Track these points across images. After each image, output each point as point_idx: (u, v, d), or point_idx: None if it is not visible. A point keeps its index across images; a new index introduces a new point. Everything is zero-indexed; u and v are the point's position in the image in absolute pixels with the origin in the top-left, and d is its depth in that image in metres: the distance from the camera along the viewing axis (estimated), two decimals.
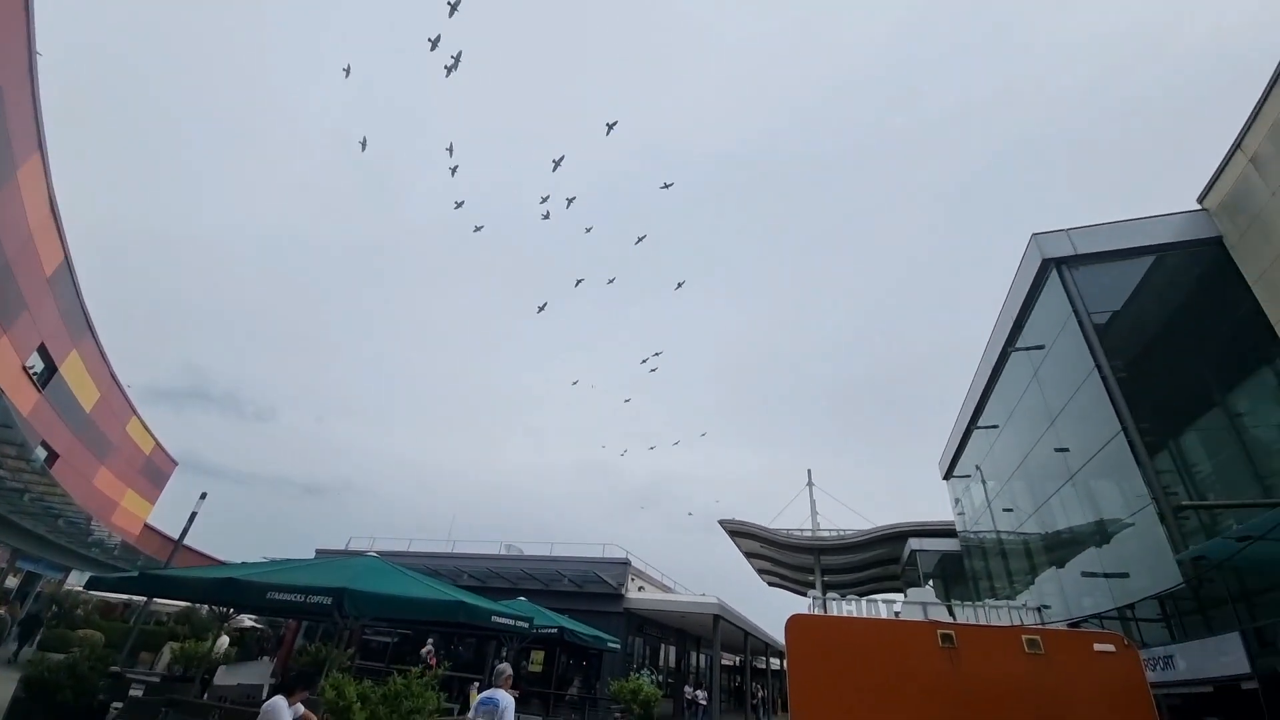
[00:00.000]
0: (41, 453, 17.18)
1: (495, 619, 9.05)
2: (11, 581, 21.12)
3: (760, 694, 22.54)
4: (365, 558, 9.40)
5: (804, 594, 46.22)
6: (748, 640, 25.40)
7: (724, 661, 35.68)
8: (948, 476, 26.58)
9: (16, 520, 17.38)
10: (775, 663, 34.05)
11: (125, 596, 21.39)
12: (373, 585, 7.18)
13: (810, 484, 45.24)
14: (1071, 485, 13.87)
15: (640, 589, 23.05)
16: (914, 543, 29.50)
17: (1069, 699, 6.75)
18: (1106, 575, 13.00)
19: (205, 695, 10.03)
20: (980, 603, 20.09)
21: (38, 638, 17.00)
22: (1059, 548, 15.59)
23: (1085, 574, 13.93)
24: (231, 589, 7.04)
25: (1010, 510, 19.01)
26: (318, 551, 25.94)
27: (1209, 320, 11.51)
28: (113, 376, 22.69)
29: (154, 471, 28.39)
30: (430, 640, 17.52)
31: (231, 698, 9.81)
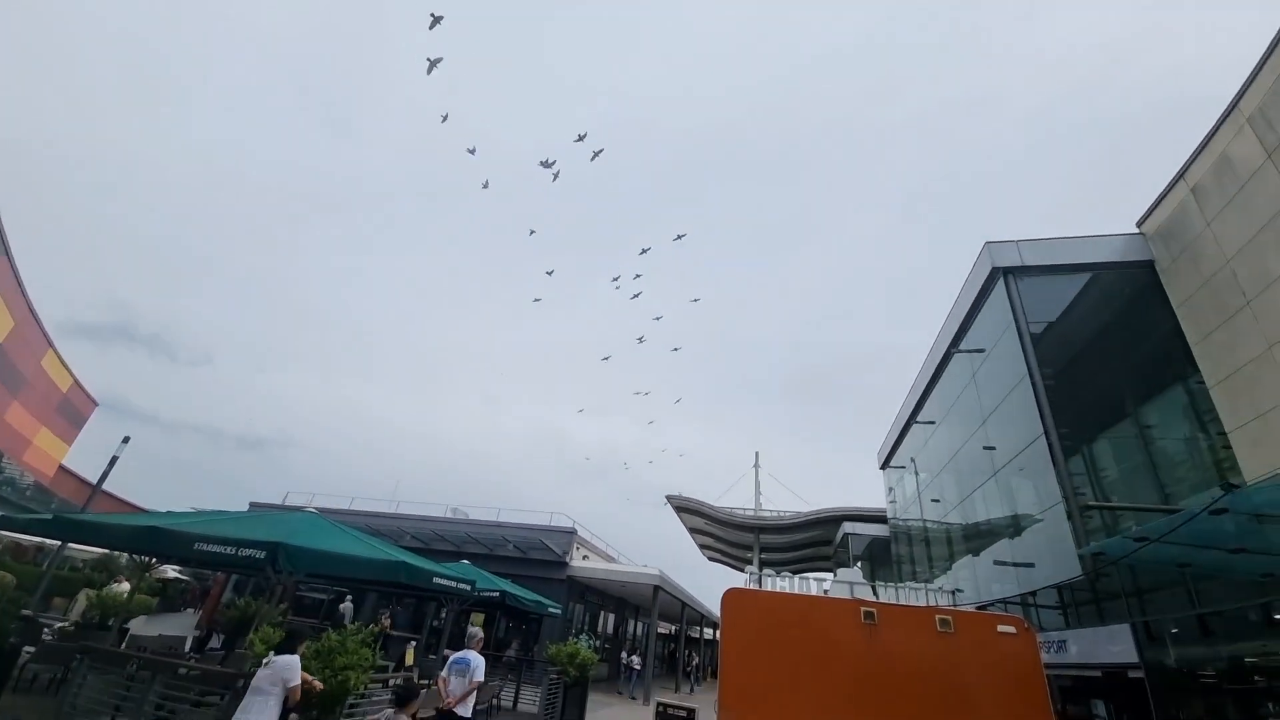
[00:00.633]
0: None
1: (437, 580, 9.02)
2: None
3: (695, 661, 23.49)
4: (303, 513, 9.13)
5: (742, 569, 48.09)
6: (684, 611, 26.30)
7: (661, 630, 36.91)
8: (884, 466, 27.91)
9: None
10: (709, 633, 35.47)
11: (38, 540, 20.11)
12: (310, 541, 6.99)
13: (756, 466, 46.66)
14: (994, 481, 14.83)
15: (585, 557, 23.40)
16: (847, 526, 31.04)
17: (973, 674, 7.33)
18: (1015, 565, 14.06)
19: (124, 645, 9.63)
20: (902, 584, 21.42)
21: None
22: (976, 538, 16.72)
23: (997, 562, 15.03)
24: (155, 538, 6.71)
25: (937, 501, 20.21)
26: (251, 505, 25.01)
27: (1132, 338, 12.38)
28: (28, 305, 20.86)
29: (71, 411, 26.49)
30: (389, 607, 17.46)
31: (152, 648, 9.46)
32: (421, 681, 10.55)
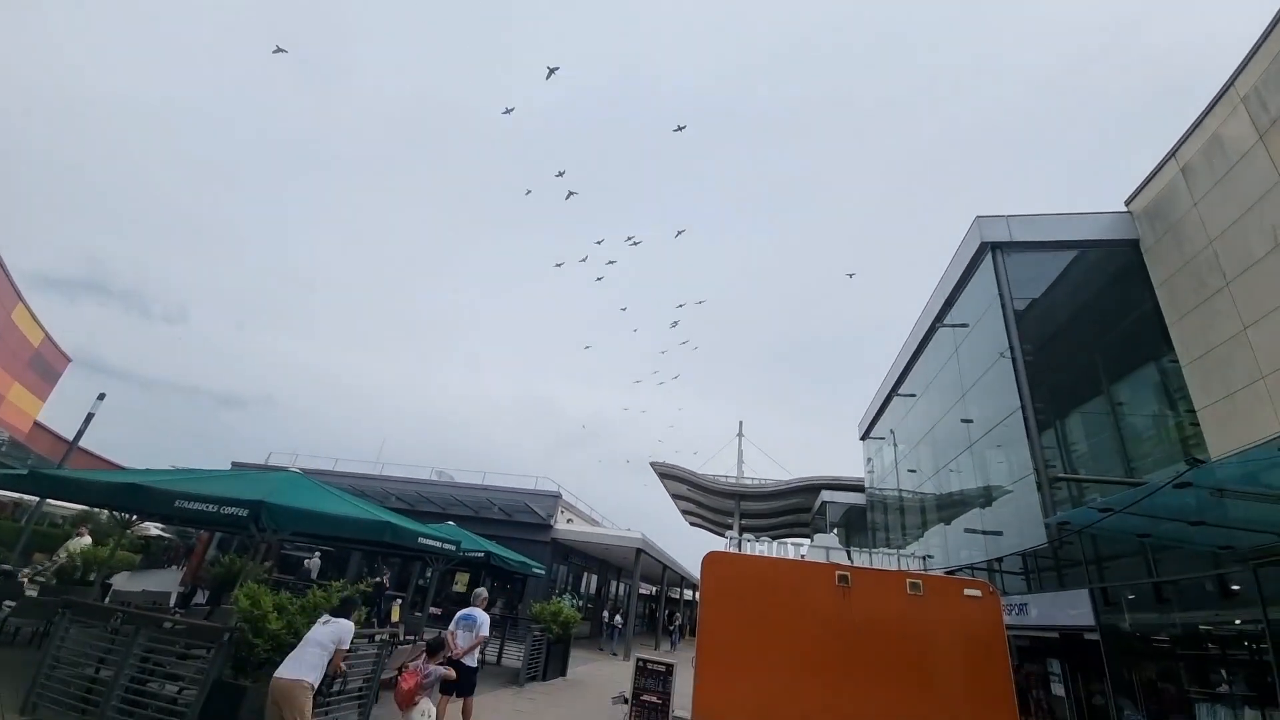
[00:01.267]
0: None
1: (422, 540, 9.10)
2: None
3: (678, 621, 24.34)
4: (286, 472, 9.09)
5: (722, 534, 49.26)
6: (665, 573, 27.02)
7: (642, 591, 37.95)
8: (865, 437, 28.47)
9: None
10: (690, 594, 36.59)
11: (16, 495, 19.85)
12: (293, 500, 6.97)
13: (740, 435, 47.35)
14: (969, 453, 15.23)
15: (569, 521, 23.78)
16: (826, 495, 31.85)
17: (940, 633, 7.68)
18: (984, 533, 14.58)
19: (107, 600, 9.65)
20: (876, 550, 22.11)
21: None
22: (949, 507, 17.27)
23: (968, 530, 15.58)
24: (135, 495, 6.64)
25: (914, 471, 20.75)
26: (234, 465, 24.87)
27: (1111, 316, 12.58)
28: None
29: (44, 366, 25.84)
30: (386, 565, 17.68)
31: (136, 603, 9.50)
32: (408, 636, 10.78)
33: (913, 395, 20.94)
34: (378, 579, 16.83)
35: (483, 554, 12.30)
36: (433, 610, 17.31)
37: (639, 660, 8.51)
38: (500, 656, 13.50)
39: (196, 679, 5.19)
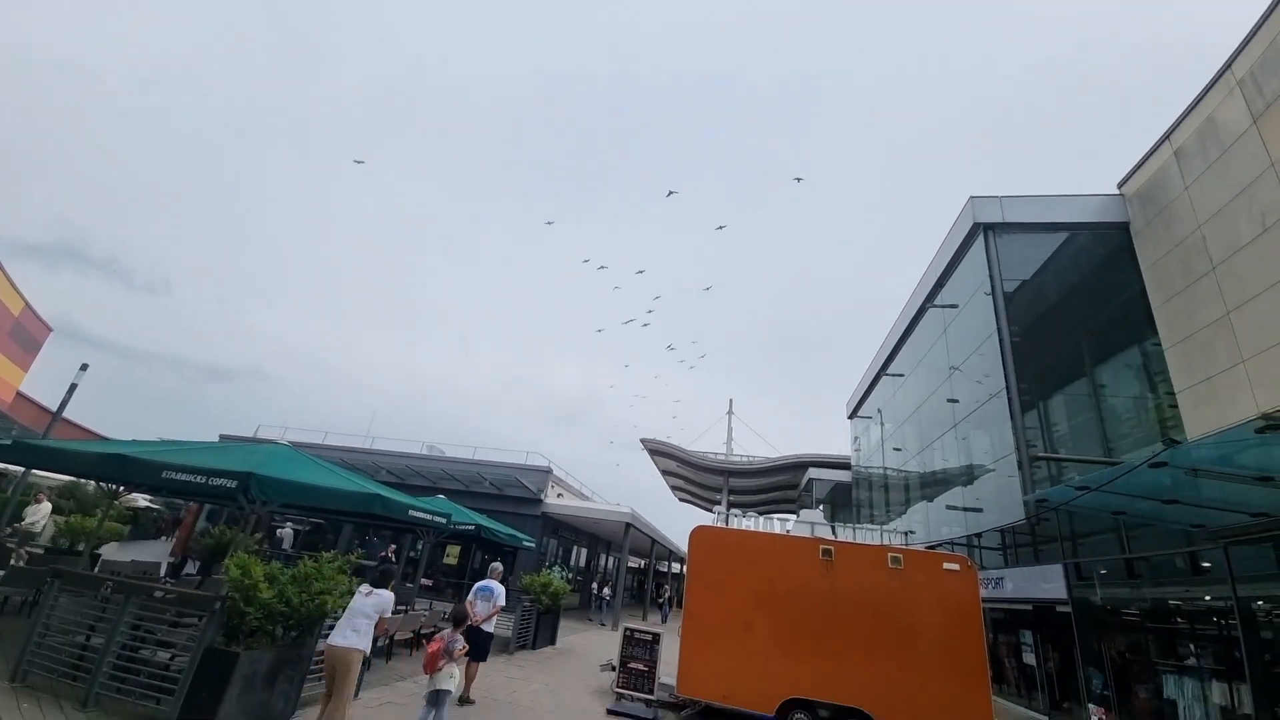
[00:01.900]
0: None
1: (413, 513, 9.14)
2: None
3: (667, 594, 24.85)
4: (275, 445, 9.04)
5: (711, 510, 50.04)
6: (654, 547, 27.46)
7: (631, 564, 38.59)
8: (852, 416, 28.80)
9: None
10: (678, 567, 37.28)
11: (0, 466, 19.64)
12: (283, 472, 6.94)
13: (730, 413, 47.69)
14: (953, 432, 15.47)
15: (559, 496, 23.98)
16: (812, 472, 32.33)
17: (919, 605, 7.91)
18: (965, 509, 14.92)
19: (96, 569, 9.65)
20: (860, 526, 22.60)
21: None
22: (932, 485, 17.60)
23: (949, 507, 15.92)
24: (121, 465, 6.58)
25: (899, 450, 21.08)
26: (222, 437, 24.71)
27: (1098, 299, 12.70)
28: None
29: (24, 336, 25.30)
30: (392, 545, 17.78)
31: (126, 573, 9.51)
32: (400, 607, 10.92)
33: (900, 375, 21.15)
34: (383, 553, 16.99)
35: (473, 527, 12.40)
36: (424, 582, 17.51)
37: (627, 630, 8.69)
38: (492, 626, 13.72)
39: (188, 646, 5.23)
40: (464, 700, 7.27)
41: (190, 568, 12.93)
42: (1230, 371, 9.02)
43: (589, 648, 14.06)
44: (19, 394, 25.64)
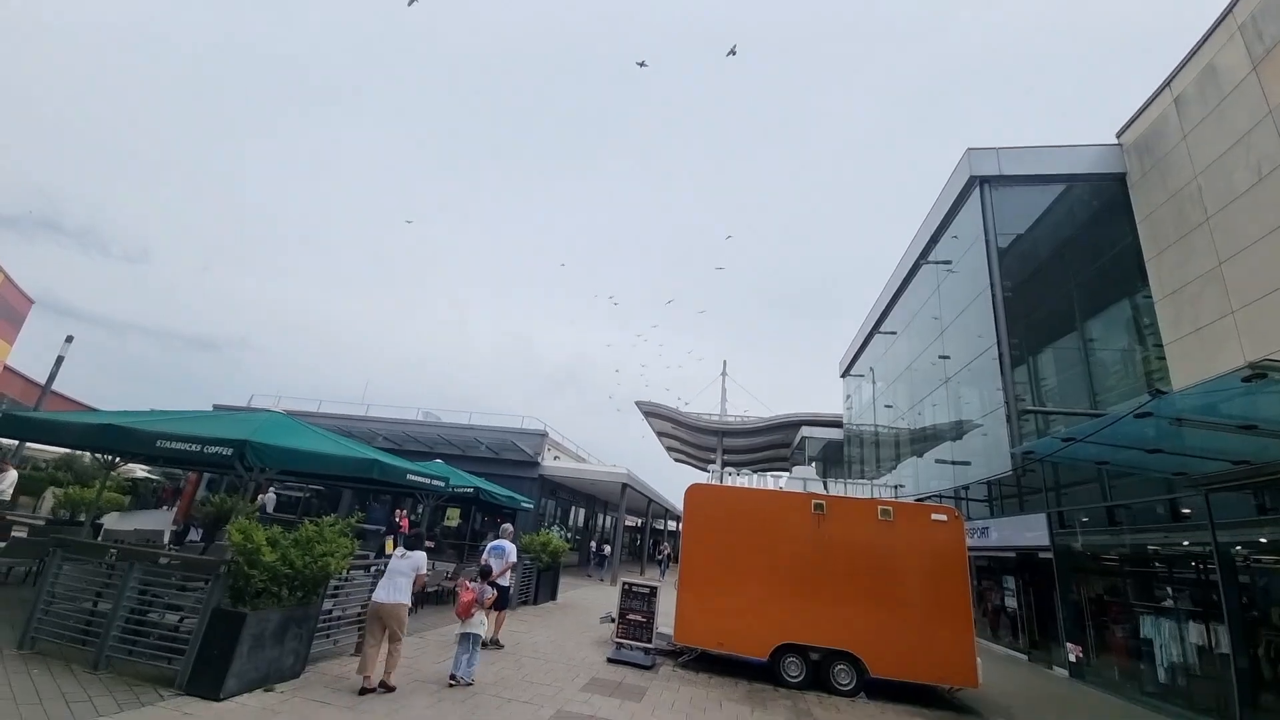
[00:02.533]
0: None
1: (411, 477, 9.23)
2: None
3: (665, 550, 25.51)
4: (270, 413, 9.02)
5: (705, 469, 50.90)
6: (650, 506, 28.06)
7: (628, 523, 39.50)
8: (845, 374, 29.05)
9: None
10: (673, 524, 38.21)
11: None
12: (278, 439, 6.94)
13: (724, 374, 47.98)
14: (944, 388, 15.66)
15: (555, 458, 24.28)
16: (805, 430, 32.84)
17: (908, 555, 8.16)
18: (954, 463, 15.26)
19: (99, 538, 9.75)
20: (852, 481, 23.12)
21: None
22: (921, 440, 17.94)
23: (938, 461, 16.28)
24: (114, 436, 6.55)
25: (890, 407, 21.37)
26: (215, 407, 24.65)
27: (1091, 252, 12.67)
28: None
29: (7, 309, 24.79)
30: (403, 509, 17.97)
31: (129, 541, 9.62)
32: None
33: (893, 333, 21.24)
34: (399, 517, 17.21)
35: (472, 490, 12.57)
36: (427, 544, 17.89)
37: (624, 583, 8.94)
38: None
39: (196, 609, 5.34)
40: (494, 643, 8.14)
41: (194, 535, 13.08)
42: (1219, 323, 9.09)
43: (589, 602, 14.52)
44: (6, 368, 25.34)
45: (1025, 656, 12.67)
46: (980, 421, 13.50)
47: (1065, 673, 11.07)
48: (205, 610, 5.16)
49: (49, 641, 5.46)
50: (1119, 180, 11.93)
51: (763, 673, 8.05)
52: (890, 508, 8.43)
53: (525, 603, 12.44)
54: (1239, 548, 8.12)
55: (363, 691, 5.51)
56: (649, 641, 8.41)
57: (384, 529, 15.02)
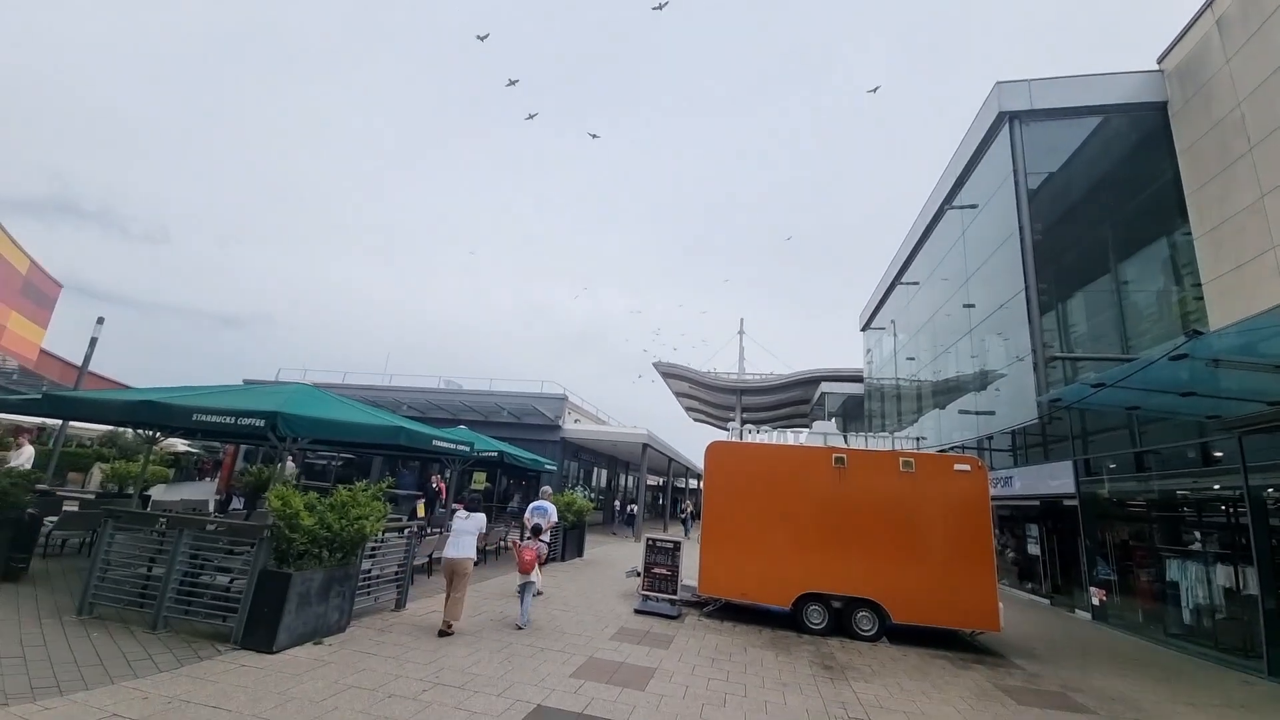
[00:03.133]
0: None
1: (437, 443, 9.47)
2: None
3: (689, 508, 26.06)
4: (299, 385, 9.27)
5: (724, 428, 51.30)
6: (671, 465, 28.53)
7: (650, 482, 40.30)
8: (865, 328, 28.64)
9: None
10: (694, 483, 38.89)
11: (38, 420, 20.53)
12: (308, 410, 7.14)
13: (741, 332, 47.69)
14: (969, 338, 15.37)
15: (576, 421, 24.67)
16: (825, 386, 32.72)
17: (930, 506, 8.21)
18: (977, 413, 15.12)
19: (148, 509, 10.29)
20: (873, 435, 23.11)
21: None
22: (944, 392, 17.75)
23: (961, 412, 16.14)
24: (152, 410, 6.81)
25: (912, 359, 21.10)
26: (245, 382, 25.39)
27: (1128, 189, 12.07)
28: None
29: (36, 293, 25.51)
30: (437, 474, 18.46)
31: (177, 510, 10.15)
32: (434, 530, 11.64)
33: (915, 283, 20.74)
34: (430, 483, 17.69)
35: (497, 454, 12.88)
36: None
37: (649, 539, 9.19)
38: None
39: (244, 570, 5.65)
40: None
41: (236, 504, 13.73)
42: (1260, 259, 8.69)
43: (615, 558, 14.99)
44: (42, 351, 26.27)
45: (1048, 601, 12.84)
46: (1005, 371, 13.27)
47: (1088, 616, 11.21)
48: (253, 572, 5.46)
49: (107, 606, 5.83)
50: (1160, 110, 11.24)
51: (786, 621, 8.31)
52: (912, 459, 8.43)
53: (553, 559, 12.88)
54: (1271, 490, 7.99)
55: (442, 634, 6.35)
56: (674, 594, 8.70)
57: (419, 494, 15.56)
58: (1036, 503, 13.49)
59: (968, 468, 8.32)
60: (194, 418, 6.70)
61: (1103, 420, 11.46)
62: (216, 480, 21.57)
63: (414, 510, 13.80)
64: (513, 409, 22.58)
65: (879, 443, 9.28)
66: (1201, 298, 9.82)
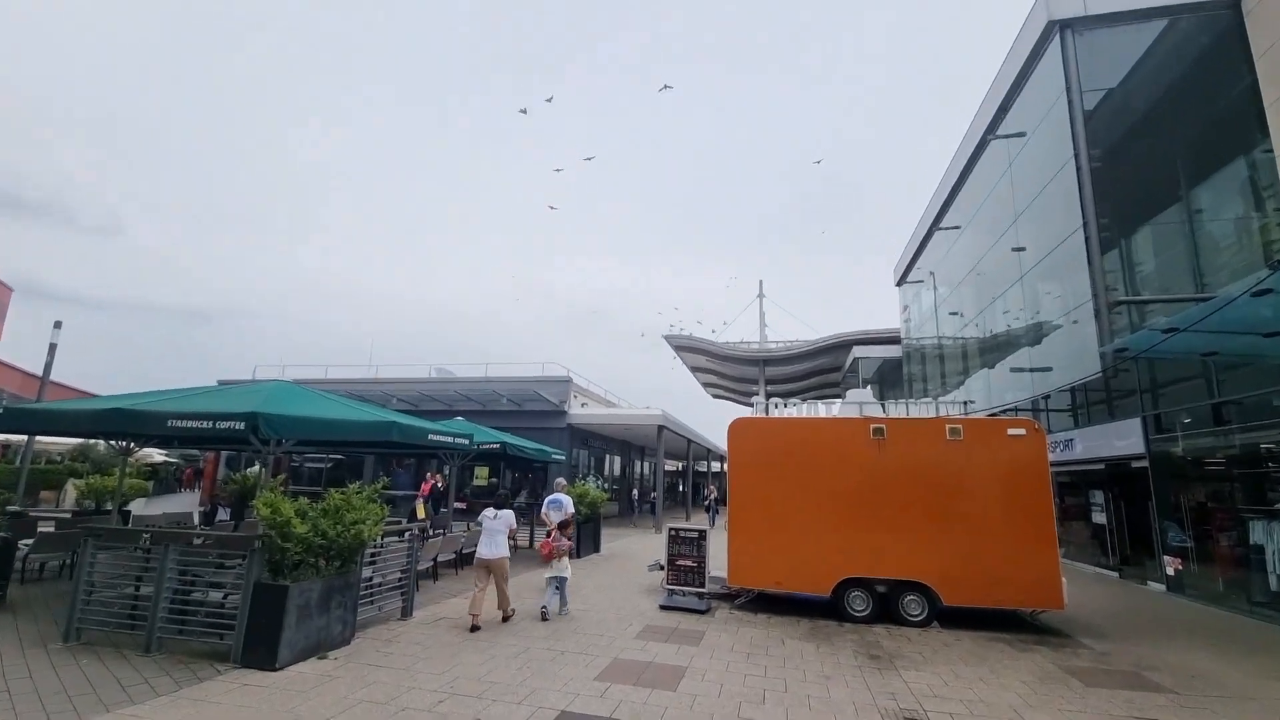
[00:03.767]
0: None
1: (433, 437, 9.61)
2: None
3: (713, 494, 26.18)
4: (278, 382, 9.39)
5: (747, 403, 51.37)
6: (690, 447, 28.69)
7: (668, 467, 40.61)
8: (901, 283, 28.30)
9: None
10: (717, 465, 39.15)
11: (1, 437, 21.07)
12: (290, 408, 7.27)
13: (761, 295, 47.33)
14: (1019, 286, 15.14)
15: (583, 405, 24.82)
16: (857, 351, 32.51)
17: (981, 475, 8.20)
18: (1031, 370, 14.98)
19: (129, 525, 10.60)
20: (914, 401, 23.08)
21: None
22: (993, 349, 17.58)
23: (1013, 370, 16.00)
24: (123, 418, 6.95)
25: (956, 314, 20.86)
26: (220, 382, 25.78)
27: (1198, 102, 11.66)
28: None
29: None
30: (433, 470, 18.74)
31: (160, 525, 10.45)
32: (436, 531, 11.86)
33: (956, 228, 20.39)
34: (434, 478, 17.95)
35: (498, 445, 13.04)
36: (457, 505, 18.83)
37: (671, 529, 9.32)
38: (531, 540, 14.88)
39: (238, 584, 5.82)
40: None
41: (222, 514, 14.09)
42: None
43: (635, 551, 15.24)
44: (0, 363, 26.81)
45: (1116, 574, 12.89)
46: (1062, 321, 13.08)
47: (1162, 588, 11.25)
48: (247, 585, 5.62)
49: (95, 630, 6.04)
50: (1233, 8, 10.77)
51: (826, 609, 8.42)
52: (959, 426, 8.40)
53: (570, 556, 13.12)
54: None
55: (473, 629, 6.94)
56: (701, 586, 8.84)
57: (417, 495, 15.83)
58: (1101, 466, 13.42)
59: (1023, 431, 8.28)
60: (169, 424, 6.84)
61: (1175, 370, 11.29)
62: (200, 491, 22.10)
63: (413, 511, 14.09)
64: (513, 395, 22.75)
65: (921, 409, 9.22)
66: None
